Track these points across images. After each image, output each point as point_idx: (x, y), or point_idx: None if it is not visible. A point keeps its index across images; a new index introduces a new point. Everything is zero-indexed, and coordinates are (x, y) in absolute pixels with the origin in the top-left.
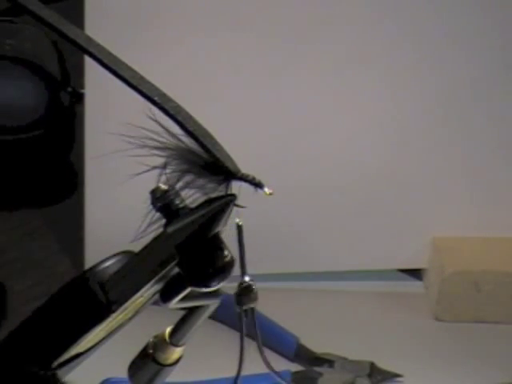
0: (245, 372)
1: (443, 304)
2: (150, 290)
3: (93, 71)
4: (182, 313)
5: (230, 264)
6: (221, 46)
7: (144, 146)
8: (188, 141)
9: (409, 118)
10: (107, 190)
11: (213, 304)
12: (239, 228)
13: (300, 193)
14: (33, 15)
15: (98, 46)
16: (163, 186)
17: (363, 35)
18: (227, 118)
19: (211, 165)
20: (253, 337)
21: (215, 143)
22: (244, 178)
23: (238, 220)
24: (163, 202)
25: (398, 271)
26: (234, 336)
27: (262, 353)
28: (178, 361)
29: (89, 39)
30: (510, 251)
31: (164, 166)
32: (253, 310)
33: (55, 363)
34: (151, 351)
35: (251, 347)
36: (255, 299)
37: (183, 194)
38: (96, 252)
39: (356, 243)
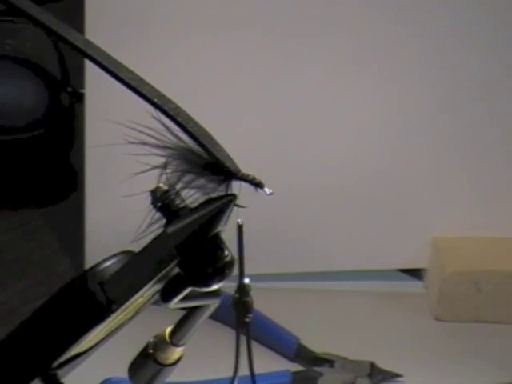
0: (244, 372)
1: (443, 304)
2: (150, 289)
3: (93, 71)
4: (182, 313)
5: (230, 264)
6: (221, 46)
7: (144, 146)
8: (188, 141)
9: (409, 118)
10: (107, 190)
11: (213, 304)
12: (240, 228)
13: (300, 193)
14: (31, 19)
15: (96, 48)
16: (163, 186)
17: (364, 36)
18: (227, 118)
19: (211, 165)
20: (252, 336)
21: (215, 143)
22: (244, 178)
23: (239, 220)
24: (163, 202)
25: (397, 271)
26: (235, 336)
27: (250, 356)
28: (178, 361)
29: (87, 42)
30: (510, 251)
31: (164, 166)
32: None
33: (55, 363)
34: (151, 351)
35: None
36: (251, 304)
37: (183, 193)
38: (96, 252)
39: (356, 243)
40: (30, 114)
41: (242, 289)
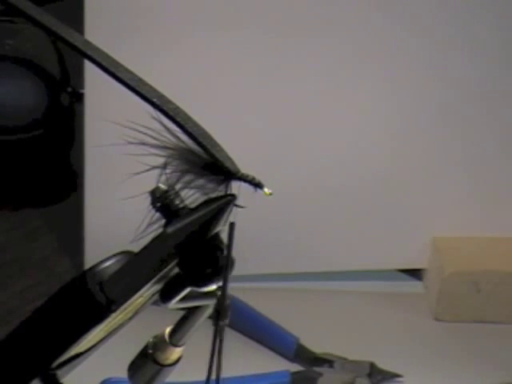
0: (244, 372)
1: (443, 304)
2: (149, 290)
3: (92, 71)
4: (182, 313)
5: (230, 264)
6: (220, 46)
7: (144, 146)
8: (188, 141)
9: (409, 118)
10: (107, 190)
11: (212, 304)
12: (231, 226)
13: (300, 193)
14: (31, 20)
15: (96, 49)
16: (163, 186)
17: (364, 36)
18: (227, 118)
19: (211, 165)
20: (251, 337)
21: (214, 144)
22: (244, 178)
23: (231, 219)
24: (163, 202)
25: (397, 271)
26: (234, 336)
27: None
28: (177, 361)
29: (87, 43)
30: (510, 251)
31: (164, 166)
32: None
33: (55, 363)
34: (151, 351)
35: (250, 347)
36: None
37: (183, 194)
38: (96, 252)
39: (356, 243)
40: (30, 114)
41: (224, 293)
